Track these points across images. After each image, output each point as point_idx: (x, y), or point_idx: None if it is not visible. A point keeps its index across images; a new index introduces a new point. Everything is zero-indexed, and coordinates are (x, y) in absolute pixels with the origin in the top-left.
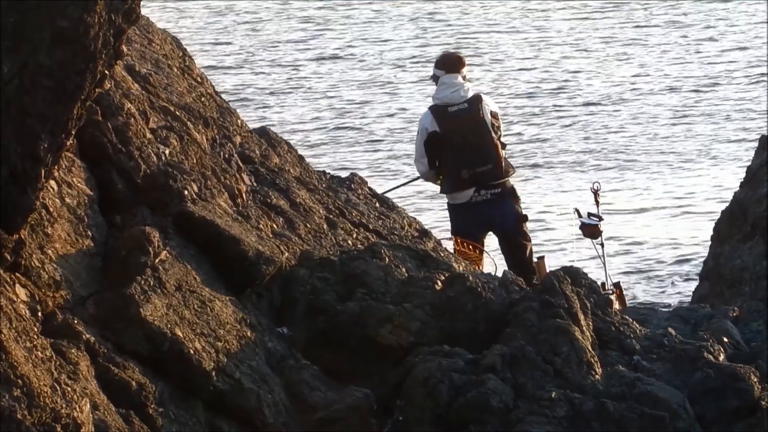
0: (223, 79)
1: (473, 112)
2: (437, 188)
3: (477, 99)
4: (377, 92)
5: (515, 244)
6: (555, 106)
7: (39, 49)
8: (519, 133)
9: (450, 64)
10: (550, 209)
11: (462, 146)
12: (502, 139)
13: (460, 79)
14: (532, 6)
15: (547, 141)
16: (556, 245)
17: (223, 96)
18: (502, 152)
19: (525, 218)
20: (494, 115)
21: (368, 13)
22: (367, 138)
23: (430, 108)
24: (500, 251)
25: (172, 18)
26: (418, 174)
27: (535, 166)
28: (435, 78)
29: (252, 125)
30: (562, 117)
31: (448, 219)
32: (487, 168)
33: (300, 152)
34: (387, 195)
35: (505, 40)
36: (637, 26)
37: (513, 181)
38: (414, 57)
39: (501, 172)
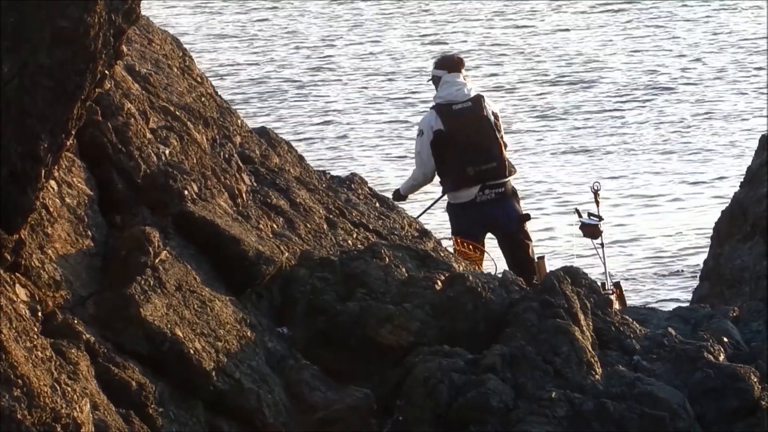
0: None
1: (477, 110)
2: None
3: (479, 98)
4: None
5: (516, 244)
6: (563, 99)
7: (39, 49)
8: (521, 130)
9: (451, 64)
10: (550, 208)
11: (467, 144)
12: (505, 139)
13: (462, 78)
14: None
15: (548, 136)
16: (556, 245)
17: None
18: (505, 152)
19: (526, 218)
20: (495, 116)
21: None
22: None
23: (433, 108)
24: (501, 251)
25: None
26: (426, 184)
27: (537, 158)
28: (434, 79)
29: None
30: (568, 110)
31: (448, 220)
32: (491, 166)
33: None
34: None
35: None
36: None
37: (514, 181)
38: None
39: (505, 171)
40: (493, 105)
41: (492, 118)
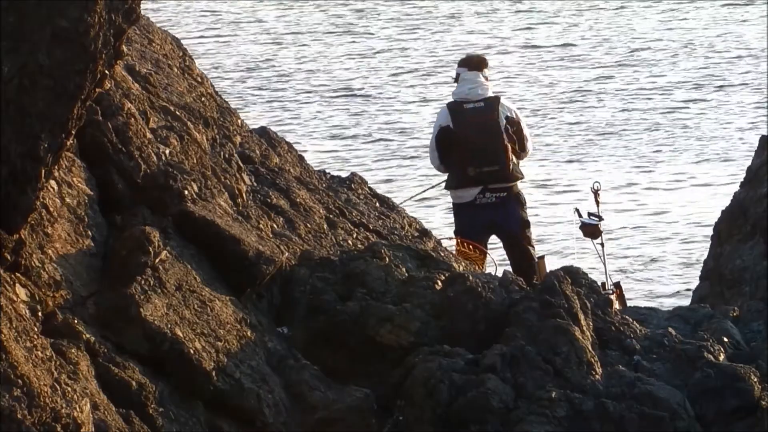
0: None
1: (488, 112)
2: (441, 186)
3: (495, 100)
4: None
5: (518, 249)
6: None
7: (39, 49)
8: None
9: (472, 63)
10: (550, 208)
11: (471, 144)
12: (528, 145)
13: (481, 78)
14: None
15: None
16: (556, 245)
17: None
18: (512, 156)
19: (526, 224)
20: (511, 121)
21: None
22: None
23: (447, 104)
24: (506, 254)
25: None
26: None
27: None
28: (457, 77)
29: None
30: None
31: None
32: (494, 169)
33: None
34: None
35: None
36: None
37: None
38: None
39: (508, 175)
40: (511, 109)
41: (503, 122)
